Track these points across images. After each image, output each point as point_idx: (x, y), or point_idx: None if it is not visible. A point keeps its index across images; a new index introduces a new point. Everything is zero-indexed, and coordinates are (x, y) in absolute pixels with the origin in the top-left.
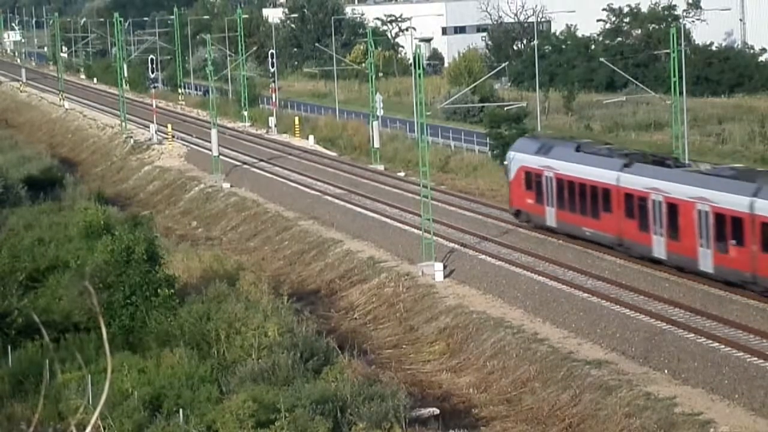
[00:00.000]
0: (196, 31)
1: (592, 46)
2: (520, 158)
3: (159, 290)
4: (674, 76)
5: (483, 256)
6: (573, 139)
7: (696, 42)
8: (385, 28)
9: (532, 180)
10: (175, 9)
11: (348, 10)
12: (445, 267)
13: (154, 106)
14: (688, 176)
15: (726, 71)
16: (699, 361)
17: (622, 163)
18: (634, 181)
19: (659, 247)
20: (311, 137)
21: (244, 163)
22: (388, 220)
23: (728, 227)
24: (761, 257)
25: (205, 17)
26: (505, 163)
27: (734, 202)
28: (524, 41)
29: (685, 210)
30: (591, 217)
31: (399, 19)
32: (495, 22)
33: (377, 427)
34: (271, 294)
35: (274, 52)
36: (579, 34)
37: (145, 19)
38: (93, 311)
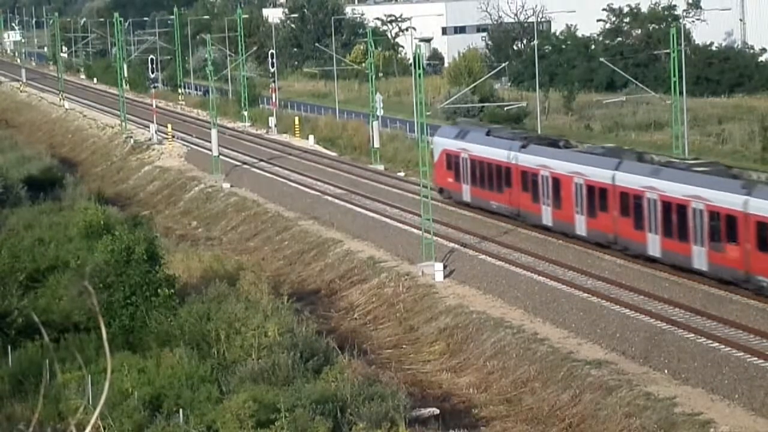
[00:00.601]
0: (196, 31)
1: (592, 46)
2: (442, 142)
3: (159, 290)
4: (674, 76)
5: (483, 256)
6: (486, 125)
7: (696, 42)
8: (385, 28)
9: (451, 161)
10: (175, 9)
11: (348, 10)
12: (445, 267)
13: (154, 106)
14: (569, 155)
15: (726, 71)
16: (699, 361)
17: (519, 144)
18: (528, 159)
19: (547, 216)
20: (311, 137)
21: (244, 163)
22: (388, 220)
23: (597, 197)
24: (620, 221)
25: (205, 17)
26: (431, 147)
27: (600, 175)
28: (524, 41)
29: (566, 183)
30: (496, 192)
31: (399, 19)
32: (495, 22)
33: (377, 427)
34: (271, 294)
35: (274, 52)
36: (579, 34)
37: (145, 19)
38: (93, 311)
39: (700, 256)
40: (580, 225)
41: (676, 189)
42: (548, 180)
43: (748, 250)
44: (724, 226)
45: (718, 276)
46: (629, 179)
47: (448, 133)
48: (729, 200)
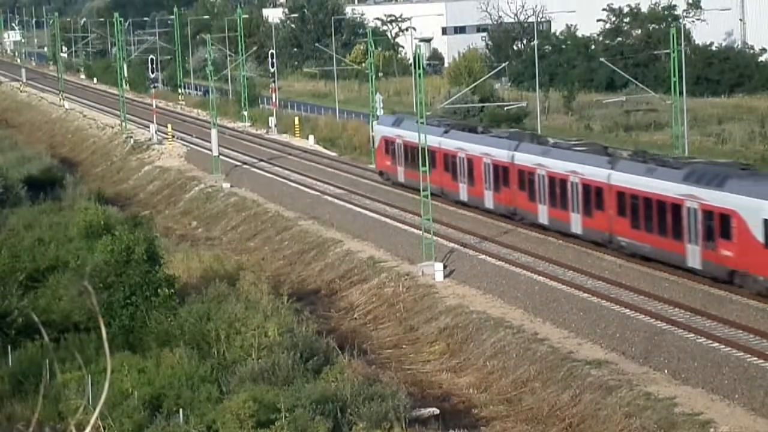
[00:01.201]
0: (196, 31)
1: (592, 46)
2: (381, 130)
3: (159, 290)
4: (674, 76)
5: (483, 256)
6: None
7: (696, 42)
8: (385, 28)
9: (389, 147)
10: (175, 9)
11: (348, 10)
12: (445, 267)
13: (154, 106)
14: (481, 138)
15: (726, 71)
16: (699, 361)
17: (442, 130)
18: (449, 143)
19: (463, 193)
20: (311, 137)
21: (244, 163)
22: (388, 220)
23: (501, 175)
24: (519, 195)
25: (205, 17)
26: (372, 134)
27: (503, 155)
28: (524, 41)
29: (477, 164)
30: (435, 181)
31: (399, 19)
32: (495, 22)
33: (377, 427)
34: (271, 294)
35: (274, 52)
36: (579, 34)
37: (145, 19)
38: (93, 311)
39: (576, 222)
40: (489, 200)
41: (559, 165)
42: (464, 161)
43: (611, 216)
44: (594, 196)
45: (589, 238)
46: (524, 158)
47: (387, 121)
48: (597, 174)
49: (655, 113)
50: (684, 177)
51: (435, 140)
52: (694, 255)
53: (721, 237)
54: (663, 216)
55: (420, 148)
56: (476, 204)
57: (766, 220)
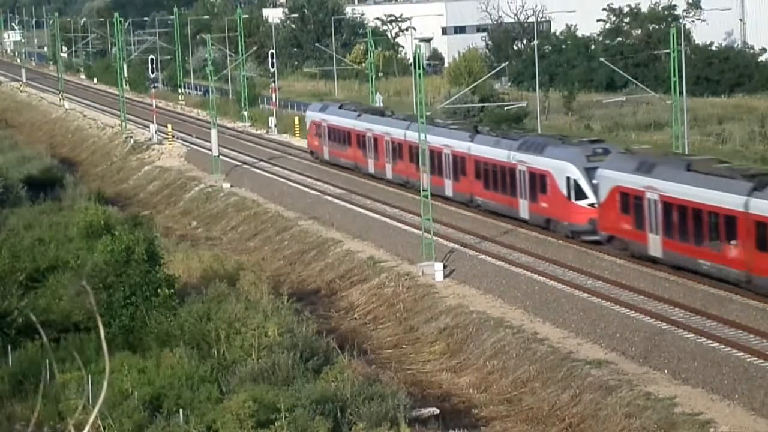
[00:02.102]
0: (196, 31)
1: (592, 46)
2: (310, 115)
3: (159, 290)
4: (674, 76)
5: (483, 256)
6: (341, 101)
7: (696, 42)
8: (385, 28)
9: (316, 129)
10: (175, 9)
11: (348, 10)
12: (445, 267)
13: (154, 106)
14: (384, 120)
15: (726, 71)
16: (699, 361)
17: (356, 114)
18: (361, 125)
19: (371, 167)
20: None
21: (244, 163)
22: (388, 220)
23: (398, 151)
24: (410, 167)
25: (205, 17)
26: (305, 120)
27: (399, 134)
28: (524, 41)
29: (380, 142)
30: (344, 152)
31: (399, 19)
32: (495, 22)
33: (377, 427)
34: (271, 294)
35: (274, 52)
36: (579, 34)
37: (145, 19)
38: (91, 311)
39: (448, 187)
40: (389, 172)
41: (436, 141)
42: (372, 139)
43: (471, 180)
44: (460, 165)
45: (458, 200)
46: (413, 136)
47: (315, 108)
48: (461, 146)
49: (648, 109)
50: (518, 147)
51: (350, 123)
52: (524, 208)
53: (541, 192)
54: (504, 178)
55: (419, 148)
56: (380, 176)
57: (568, 177)
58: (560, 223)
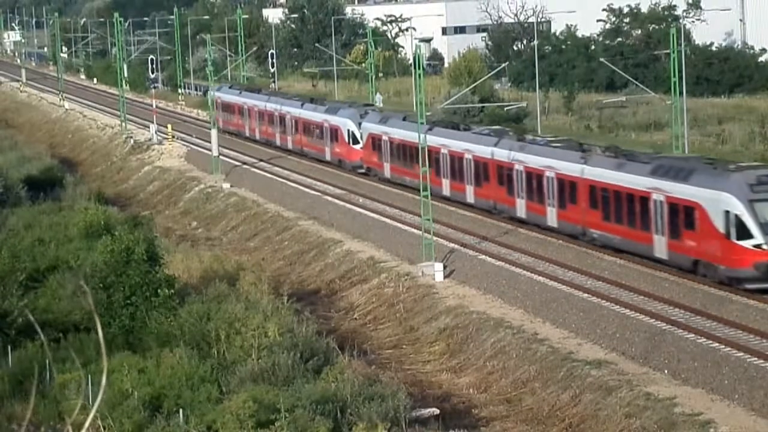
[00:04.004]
0: (196, 31)
1: (592, 47)
2: (215, 95)
3: (159, 290)
4: (674, 76)
5: (483, 256)
6: (264, 89)
7: (696, 42)
8: (385, 28)
9: (218, 106)
10: (175, 9)
11: (348, 10)
12: (445, 267)
13: (154, 106)
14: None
15: (726, 71)
16: (699, 361)
17: (266, 97)
18: (264, 104)
19: (293, 144)
20: None
21: (244, 163)
22: (388, 220)
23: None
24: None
25: (205, 17)
26: (210, 98)
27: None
28: (524, 41)
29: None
30: (275, 133)
31: (399, 20)
32: (495, 23)
33: (377, 427)
34: (271, 294)
35: (274, 52)
36: (579, 34)
37: (145, 19)
38: (89, 310)
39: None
40: (328, 154)
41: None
42: (283, 118)
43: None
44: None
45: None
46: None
47: (217, 88)
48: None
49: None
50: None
51: (285, 109)
52: (330, 152)
53: (331, 140)
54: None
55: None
56: (336, 162)
57: (349, 130)
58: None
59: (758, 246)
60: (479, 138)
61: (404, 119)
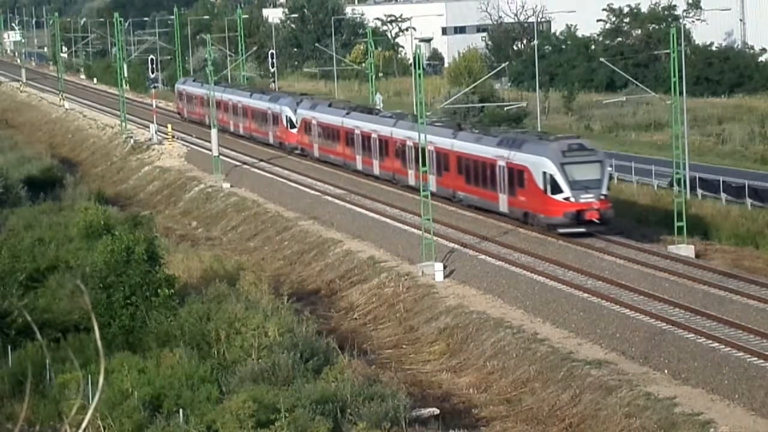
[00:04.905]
0: (196, 31)
1: (592, 46)
2: (179, 87)
3: (159, 290)
4: (674, 76)
5: (483, 256)
6: (194, 77)
7: (696, 42)
8: (385, 28)
9: (182, 97)
10: (175, 9)
11: (348, 10)
12: (445, 267)
13: (154, 106)
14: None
15: (726, 71)
16: (699, 361)
17: (199, 84)
18: (253, 102)
19: (244, 130)
20: None
21: (244, 163)
22: (388, 220)
23: (265, 118)
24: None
25: (205, 17)
26: (176, 91)
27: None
28: (524, 41)
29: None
30: (230, 120)
31: (399, 19)
32: (495, 22)
33: (377, 427)
34: (271, 294)
35: (274, 52)
36: (579, 34)
37: (145, 19)
38: (87, 310)
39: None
40: (242, 129)
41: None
42: (235, 107)
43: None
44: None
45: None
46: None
47: (180, 82)
48: (268, 106)
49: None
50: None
51: (246, 101)
52: (273, 136)
53: (273, 125)
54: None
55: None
56: (264, 141)
57: (287, 116)
58: (285, 145)
59: (567, 199)
60: (383, 120)
61: (330, 105)
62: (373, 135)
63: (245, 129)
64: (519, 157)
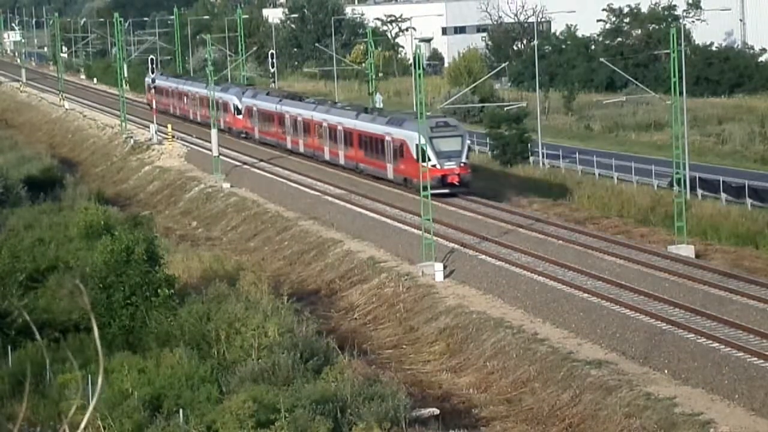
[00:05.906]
0: (196, 31)
1: (592, 46)
2: (148, 81)
3: (159, 290)
4: (674, 76)
5: (483, 256)
6: (170, 74)
7: (696, 42)
8: (385, 28)
9: (156, 90)
10: (175, 9)
11: (348, 10)
12: (445, 267)
13: (154, 106)
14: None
15: (726, 71)
16: (699, 361)
17: (203, 85)
18: (205, 92)
19: (201, 117)
20: None
21: (244, 163)
22: (388, 220)
23: (224, 108)
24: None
25: (205, 17)
26: (146, 84)
27: (227, 97)
28: (524, 41)
29: (215, 102)
30: (188, 110)
31: (399, 20)
32: (495, 22)
33: (377, 427)
34: (271, 294)
35: (274, 52)
36: (579, 34)
37: (145, 19)
38: (86, 310)
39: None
40: (199, 117)
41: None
42: (193, 97)
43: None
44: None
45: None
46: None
47: (153, 76)
48: (228, 97)
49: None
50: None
51: (202, 92)
52: (223, 122)
53: (224, 112)
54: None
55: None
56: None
57: (234, 104)
58: (234, 130)
59: (434, 166)
60: (306, 105)
61: (267, 94)
62: (299, 118)
63: (202, 117)
64: (400, 133)
